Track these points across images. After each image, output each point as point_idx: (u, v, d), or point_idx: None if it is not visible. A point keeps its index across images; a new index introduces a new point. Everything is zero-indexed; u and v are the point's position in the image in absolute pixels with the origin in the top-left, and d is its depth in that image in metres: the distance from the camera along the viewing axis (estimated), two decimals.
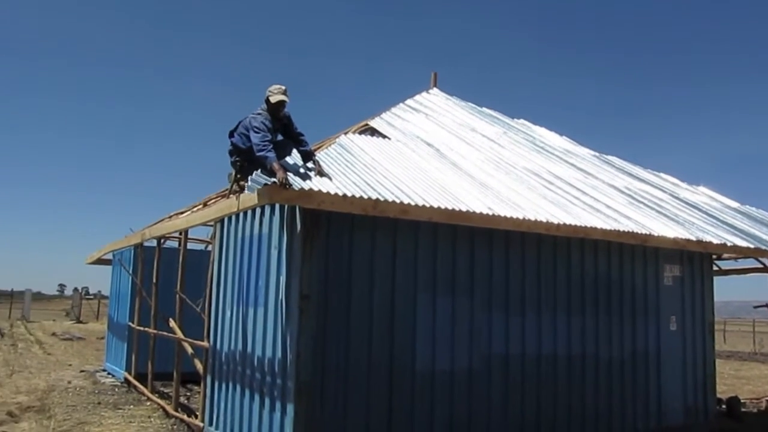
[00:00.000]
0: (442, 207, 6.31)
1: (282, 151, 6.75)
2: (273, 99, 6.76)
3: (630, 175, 11.54)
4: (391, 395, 6.66)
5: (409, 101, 11.69)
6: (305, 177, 6.29)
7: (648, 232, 7.89)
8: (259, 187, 5.67)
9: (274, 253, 6.62)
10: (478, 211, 6.54)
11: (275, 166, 6.02)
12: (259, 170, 6.32)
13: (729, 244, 8.60)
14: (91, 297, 61.38)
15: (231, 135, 7.07)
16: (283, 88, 6.86)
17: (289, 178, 5.82)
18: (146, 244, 11.30)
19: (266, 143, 6.39)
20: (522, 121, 13.23)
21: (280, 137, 6.90)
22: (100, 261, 15.48)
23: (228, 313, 7.61)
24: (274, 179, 5.77)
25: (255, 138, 6.46)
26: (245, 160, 6.88)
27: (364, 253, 6.66)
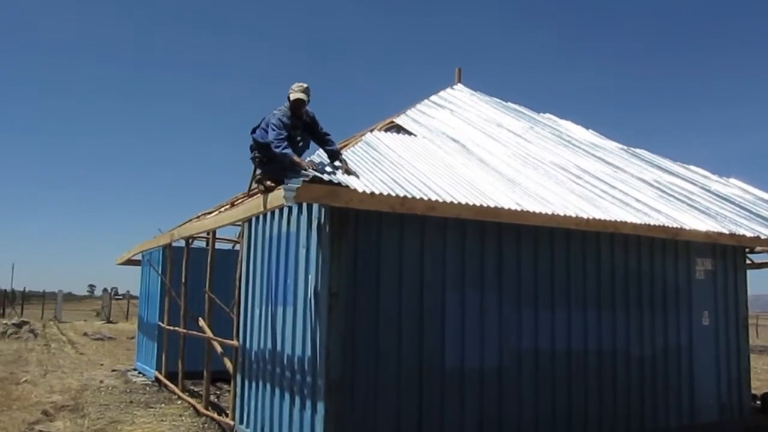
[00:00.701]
0: (470, 203, 6.28)
1: (296, 148, 6.75)
2: (292, 96, 6.83)
3: (659, 168, 11.37)
4: (421, 392, 6.65)
5: (433, 97, 11.65)
6: (332, 175, 6.30)
7: (679, 226, 7.76)
8: (293, 188, 5.68)
9: (303, 251, 6.64)
10: (506, 206, 6.49)
11: (294, 159, 6.14)
12: (279, 168, 6.43)
13: (763, 236, 8.43)
14: (120, 297, 62.25)
15: (253, 132, 7.12)
16: (304, 86, 6.87)
17: (314, 170, 5.90)
18: (175, 244, 11.43)
19: (281, 140, 6.46)
20: (548, 115, 13.10)
21: (300, 135, 6.89)
22: (129, 262, 15.70)
23: (257, 312, 7.65)
24: (302, 176, 5.80)
25: (271, 135, 6.57)
26: (264, 156, 6.92)
27: (392, 251, 6.65)
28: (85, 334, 25.98)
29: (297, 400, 6.55)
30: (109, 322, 36.63)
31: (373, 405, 6.41)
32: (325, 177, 5.82)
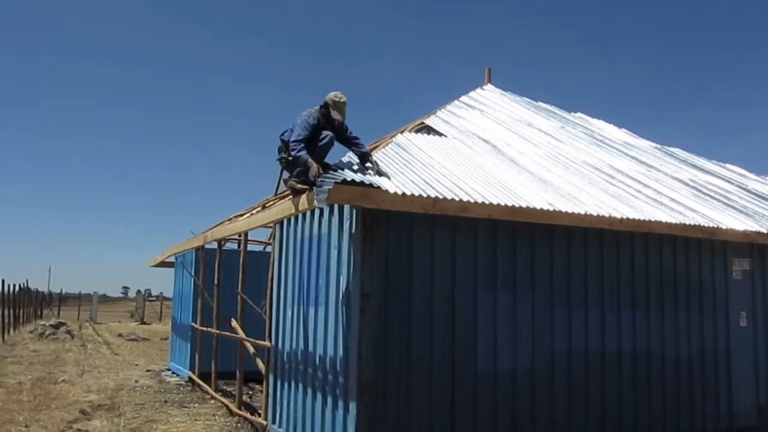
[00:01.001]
0: (502, 203, 6.25)
1: (320, 147, 6.76)
2: (332, 114, 6.83)
3: (694, 166, 11.18)
4: (453, 394, 6.62)
5: (463, 98, 11.62)
6: (364, 177, 6.32)
7: (716, 225, 7.63)
8: (325, 190, 5.71)
9: (334, 252, 6.67)
10: (538, 207, 6.45)
11: (307, 162, 6.22)
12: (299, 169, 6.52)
13: None
14: (154, 299, 63.27)
15: (283, 134, 7.17)
16: (344, 100, 6.87)
17: (333, 176, 5.95)
18: (207, 246, 11.57)
19: (298, 142, 6.52)
20: (579, 114, 12.99)
21: (328, 137, 6.86)
22: (162, 264, 15.94)
23: (289, 313, 7.71)
24: (328, 178, 5.86)
25: (292, 136, 6.63)
26: (289, 156, 6.96)
27: (424, 252, 6.64)
28: (120, 335, 26.44)
29: (329, 400, 6.58)
30: (143, 323, 37.22)
31: (405, 405, 6.41)
32: (349, 177, 5.84)
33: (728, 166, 12.06)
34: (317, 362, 6.87)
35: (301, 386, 7.22)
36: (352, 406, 6.08)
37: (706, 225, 7.53)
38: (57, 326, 25.29)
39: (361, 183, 5.77)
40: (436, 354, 6.59)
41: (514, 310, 7.04)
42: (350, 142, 7.02)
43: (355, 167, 6.76)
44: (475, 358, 6.79)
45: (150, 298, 61.62)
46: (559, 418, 7.17)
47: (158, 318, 41.84)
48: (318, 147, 6.69)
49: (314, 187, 5.94)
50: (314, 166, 6.31)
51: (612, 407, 7.53)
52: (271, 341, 8.13)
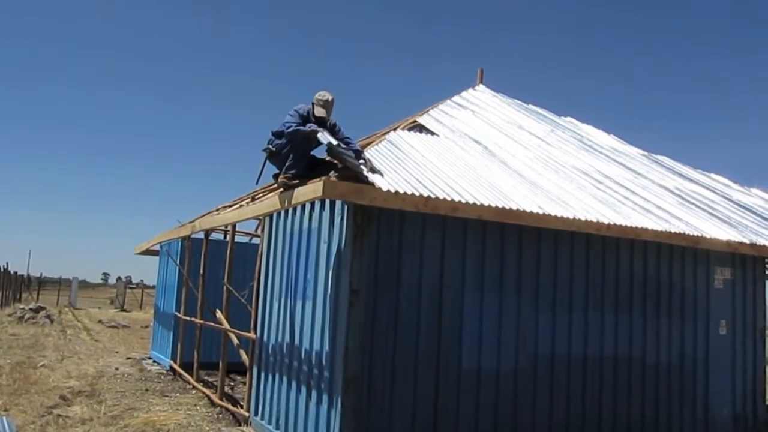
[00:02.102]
0: (493, 205, 6.31)
1: (307, 141, 6.79)
2: (316, 113, 6.87)
3: (680, 175, 11.33)
4: (437, 391, 6.68)
5: (455, 98, 11.67)
6: (358, 173, 6.34)
7: (700, 234, 7.75)
8: (315, 183, 5.74)
9: (324, 247, 6.70)
10: (528, 209, 6.51)
11: (306, 130, 6.45)
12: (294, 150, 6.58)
13: None
14: (134, 286, 62.80)
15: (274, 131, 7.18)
16: (329, 98, 6.90)
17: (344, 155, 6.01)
18: (193, 236, 11.53)
19: (292, 122, 6.60)
20: (569, 118, 13.09)
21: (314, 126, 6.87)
22: (148, 251, 15.86)
23: (276, 306, 7.72)
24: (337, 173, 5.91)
25: (284, 122, 6.70)
26: (275, 146, 6.96)
27: (413, 250, 6.69)
28: (100, 321, 26.27)
29: (314, 394, 6.61)
30: (123, 310, 36.98)
31: (390, 401, 6.46)
32: (354, 164, 5.92)
33: (713, 175, 12.22)
34: (303, 355, 6.90)
35: (285, 379, 7.24)
36: (338, 401, 6.12)
37: (691, 234, 7.65)
38: (36, 310, 25.07)
39: (354, 183, 5.80)
40: (422, 351, 6.65)
41: (499, 311, 7.11)
42: (342, 142, 7.01)
43: (349, 164, 6.78)
44: (460, 356, 6.85)
45: (130, 286, 61.15)
46: (539, 419, 7.26)
47: (139, 306, 41.58)
48: (306, 142, 6.69)
49: (339, 156, 6.11)
50: (317, 130, 6.38)
51: (592, 410, 7.63)
52: (256, 333, 8.14)
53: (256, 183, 8.45)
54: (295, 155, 6.71)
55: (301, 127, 6.54)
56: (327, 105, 6.86)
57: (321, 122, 6.85)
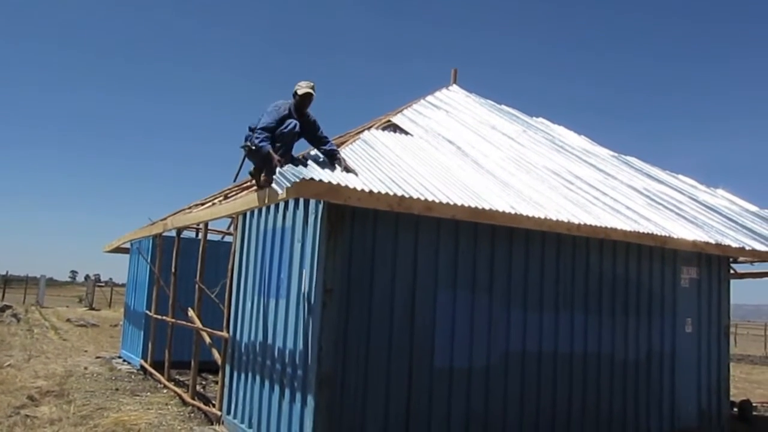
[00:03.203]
0: (466, 205, 6.37)
1: (288, 136, 6.72)
2: (300, 91, 6.85)
3: (648, 176, 11.53)
4: (409, 389, 6.73)
5: (429, 98, 11.72)
6: (332, 173, 6.36)
7: (667, 234, 7.91)
8: (288, 183, 5.74)
9: (298, 246, 6.70)
10: (501, 209, 6.59)
11: (270, 153, 6.36)
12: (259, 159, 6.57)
13: (747, 247, 8.60)
14: (103, 284, 61.84)
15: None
16: (311, 84, 6.93)
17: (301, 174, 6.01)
18: (165, 234, 11.43)
19: (263, 130, 6.55)
20: (541, 119, 13.23)
21: (291, 125, 6.77)
22: (118, 249, 15.67)
23: (248, 305, 7.70)
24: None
25: (259, 124, 6.65)
26: (252, 144, 6.93)
27: (386, 249, 6.72)
28: (68, 320, 25.82)
29: (287, 392, 6.62)
30: (92, 309, 36.38)
31: (362, 399, 6.49)
32: (317, 177, 5.89)
33: (680, 177, 12.46)
34: (276, 354, 6.89)
35: (258, 378, 7.23)
36: (310, 399, 6.14)
37: (659, 234, 7.80)
38: (2, 309, 24.59)
39: (328, 182, 5.81)
40: (395, 349, 6.69)
41: (471, 309, 7.19)
42: (319, 142, 7.00)
43: (322, 161, 6.79)
44: (433, 355, 6.91)
45: (99, 284, 60.19)
46: (510, 416, 7.35)
47: (108, 304, 40.96)
48: (281, 135, 6.63)
49: (274, 180, 5.99)
50: (275, 159, 6.36)
51: (562, 406, 7.76)
52: (228, 332, 8.11)
53: (234, 180, 8.41)
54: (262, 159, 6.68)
55: (265, 144, 6.49)
56: (313, 88, 6.87)
57: (305, 103, 6.84)
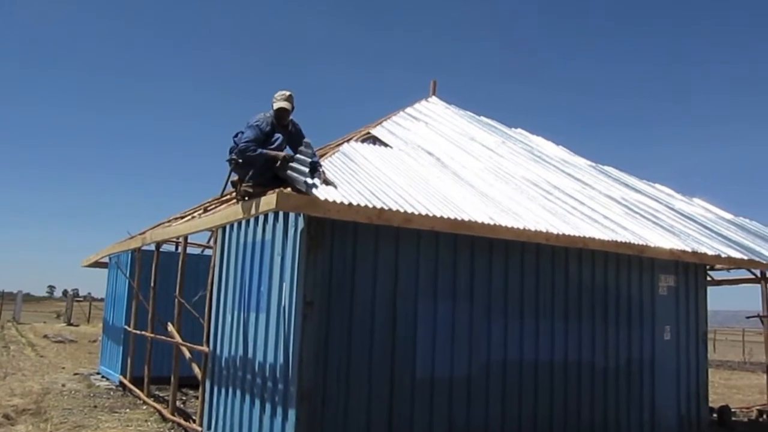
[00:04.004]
0: (445, 216, 6.40)
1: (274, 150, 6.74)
2: (275, 105, 6.82)
3: (626, 185, 11.68)
4: (391, 401, 6.73)
5: (409, 109, 11.78)
6: (311, 185, 6.35)
7: (645, 243, 8.00)
8: (269, 195, 5.73)
9: (278, 259, 6.68)
10: (480, 220, 6.62)
11: (269, 154, 6.35)
12: (257, 170, 6.51)
13: (723, 255, 8.73)
14: (81, 299, 61.01)
15: (236, 135, 7.08)
16: (287, 93, 6.84)
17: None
18: (144, 248, 11.33)
19: (250, 142, 6.52)
20: (519, 130, 13.36)
21: (279, 140, 6.77)
22: (96, 264, 15.49)
23: (228, 318, 7.65)
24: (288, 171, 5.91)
25: (243, 137, 6.60)
26: (239, 158, 6.91)
27: (367, 261, 6.73)
28: (46, 336, 25.44)
29: (267, 407, 6.57)
30: (71, 324, 35.88)
31: (344, 412, 6.47)
32: (309, 181, 5.92)
33: (657, 185, 12.63)
34: (257, 368, 6.85)
35: (239, 392, 7.18)
36: (292, 413, 6.10)
37: (636, 242, 7.89)
38: None
39: (307, 195, 5.81)
40: (376, 361, 6.69)
41: (452, 320, 7.21)
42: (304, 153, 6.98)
43: (308, 179, 6.77)
44: (414, 366, 6.91)
45: (78, 299, 59.38)
46: (492, 425, 7.37)
47: (86, 319, 40.42)
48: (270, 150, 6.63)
49: (288, 176, 5.99)
50: (280, 154, 6.36)
51: (543, 414, 7.80)
52: (209, 346, 8.04)
53: (221, 194, 8.38)
54: (259, 167, 6.66)
55: (261, 150, 6.49)
56: (290, 98, 6.84)
57: (283, 116, 6.81)
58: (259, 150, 6.49)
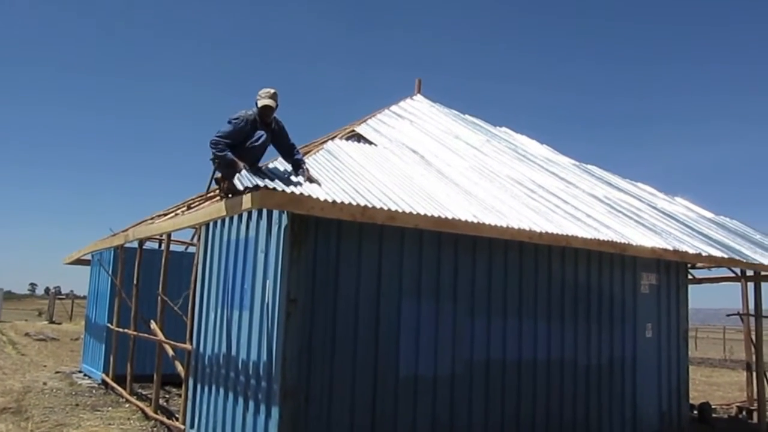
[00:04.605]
0: (429, 214, 6.41)
1: (257, 147, 6.64)
2: (259, 103, 6.70)
3: (609, 184, 11.76)
4: (374, 399, 6.73)
5: (393, 107, 11.79)
6: (295, 183, 6.34)
7: (627, 242, 8.06)
8: (253, 192, 5.70)
9: (261, 256, 6.66)
10: (463, 218, 6.64)
11: (233, 159, 6.29)
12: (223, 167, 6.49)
13: (704, 254, 8.82)
14: (63, 297, 60.44)
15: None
16: (272, 91, 6.73)
17: (243, 181, 5.99)
18: (127, 245, 11.25)
19: (222, 138, 6.44)
20: (504, 129, 13.41)
21: (262, 138, 6.68)
22: (78, 261, 15.35)
23: (212, 316, 7.62)
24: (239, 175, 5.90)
25: (217, 131, 6.52)
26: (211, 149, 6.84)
27: (351, 258, 6.73)
28: (27, 334, 25.15)
29: (251, 404, 6.56)
30: (53, 322, 35.51)
31: (327, 410, 6.47)
32: (279, 187, 5.87)
33: (640, 185, 12.74)
34: (240, 366, 6.83)
35: (222, 390, 7.15)
36: (275, 411, 6.10)
37: (618, 241, 7.95)
38: None
39: (291, 192, 5.79)
40: (360, 359, 6.69)
41: (436, 318, 7.23)
42: (287, 151, 6.93)
43: (286, 173, 6.76)
44: (398, 364, 6.93)
45: (60, 296, 58.81)
46: (475, 423, 7.40)
47: (69, 317, 40.03)
48: (251, 148, 6.55)
49: (247, 191, 5.90)
50: (239, 165, 6.31)
51: (526, 412, 7.84)
52: (192, 344, 8.00)
53: (206, 191, 8.33)
54: (223, 167, 6.61)
55: (227, 153, 6.40)
56: (274, 96, 6.72)
57: (267, 114, 6.70)
58: (227, 151, 6.40)
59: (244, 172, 6.44)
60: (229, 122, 6.62)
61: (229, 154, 6.39)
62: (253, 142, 6.58)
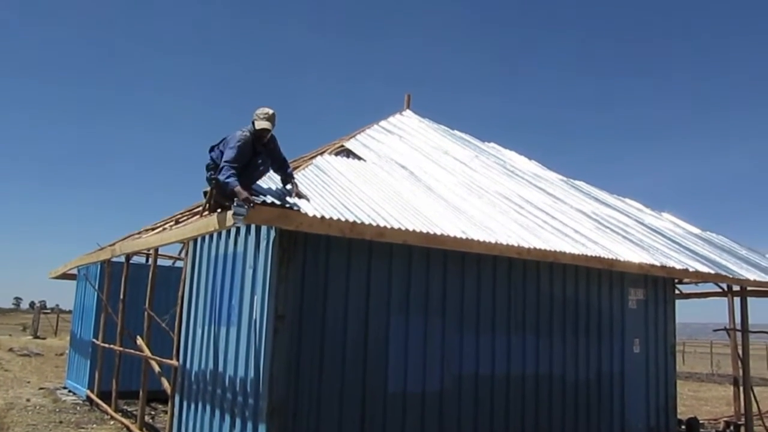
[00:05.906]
0: (418, 230, 6.41)
1: (256, 173, 6.63)
2: (257, 125, 6.55)
3: (597, 200, 11.83)
4: (363, 416, 6.69)
5: (383, 123, 11.82)
6: (284, 198, 6.32)
7: (614, 257, 8.10)
8: (242, 210, 5.64)
9: (249, 272, 6.63)
10: (452, 234, 6.65)
11: (235, 189, 5.98)
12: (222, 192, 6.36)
13: (691, 269, 8.87)
14: (49, 311, 59.77)
15: (211, 150, 6.90)
16: (270, 113, 6.59)
17: (256, 199, 5.85)
18: (114, 259, 11.17)
19: (230, 165, 6.23)
20: (492, 144, 13.48)
21: (264, 165, 6.61)
22: (64, 276, 15.21)
23: (199, 332, 7.57)
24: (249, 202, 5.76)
25: (225, 156, 6.40)
26: (215, 177, 6.75)
27: (339, 274, 6.71)
28: (11, 349, 24.82)
29: (238, 421, 6.50)
30: (37, 337, 35.09)
31: (315, 427, 6.42)
32: (268, 200, 5.82)
33: (627, 200, 12.83)
34: (227, 383, 6.77)
35: (208, 407, 7.08)
36: (262, 428, 6.04)
37: (606, 257, 7.99)
38: None
39: (280, 205, 5.79)
40: (348, 375, 6.65)
41: (425, 334, 7.22)
42: (279, 165, 6.85)
43: (275, 189, 6.73)
44: (386, 380, 6.89)
45: (45, 311, 58.16)
46: None
47: (54, 332, 39.59)
48: (254, 174, 6.46)
49: (234, 209, 5.80)
50: (243, 194, 6.05)
51: (515, 427, 7.82)
52: (178, 360, 7.93)
53: (202, 212, 8.22)
54: (228, 194, 6.53)
55: (232, 180, 6.15)
56: (272, 118, 6.64)
57: (264, 136, 6.58)
58: (231, 179, 6.12)
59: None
60: (231, 147, 6.40)
61: (234, 182, 6.07)
62: (254, 168, 6.47)
